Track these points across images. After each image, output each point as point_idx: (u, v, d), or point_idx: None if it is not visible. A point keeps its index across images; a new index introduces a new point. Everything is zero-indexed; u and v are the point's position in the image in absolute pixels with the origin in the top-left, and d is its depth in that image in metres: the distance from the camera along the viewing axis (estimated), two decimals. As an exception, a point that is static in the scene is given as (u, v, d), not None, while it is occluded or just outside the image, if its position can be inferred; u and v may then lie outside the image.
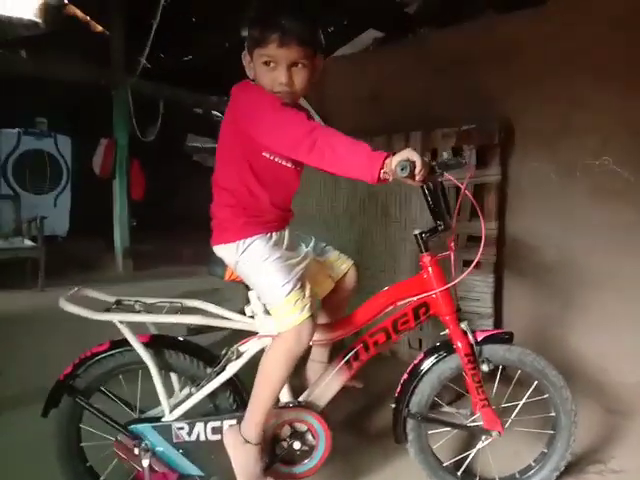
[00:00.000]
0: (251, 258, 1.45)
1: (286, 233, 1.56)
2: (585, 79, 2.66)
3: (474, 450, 1.70)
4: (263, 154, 1.44)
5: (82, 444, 1.53)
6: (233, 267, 1.50)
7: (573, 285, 2.74)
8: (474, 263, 1.61)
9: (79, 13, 8.39)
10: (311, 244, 1.63)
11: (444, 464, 1.70)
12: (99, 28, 7.99)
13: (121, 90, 5.93)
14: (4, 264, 5.13)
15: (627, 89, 2.53)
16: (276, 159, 1.45)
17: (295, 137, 1.30)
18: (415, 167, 1.26)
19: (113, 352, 1.49)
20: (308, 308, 1.41)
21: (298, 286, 1.42)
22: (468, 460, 1.71)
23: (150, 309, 1.54)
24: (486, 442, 1.65)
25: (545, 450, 1.69)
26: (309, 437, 1.54)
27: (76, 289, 1.52)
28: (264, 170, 1.47)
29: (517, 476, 1.70)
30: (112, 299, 1.55)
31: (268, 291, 1.43)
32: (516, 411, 1.67)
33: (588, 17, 2.67)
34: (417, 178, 1.28)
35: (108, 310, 1.48)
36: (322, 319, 1.69)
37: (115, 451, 1.48)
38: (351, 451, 2.02)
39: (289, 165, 1.48)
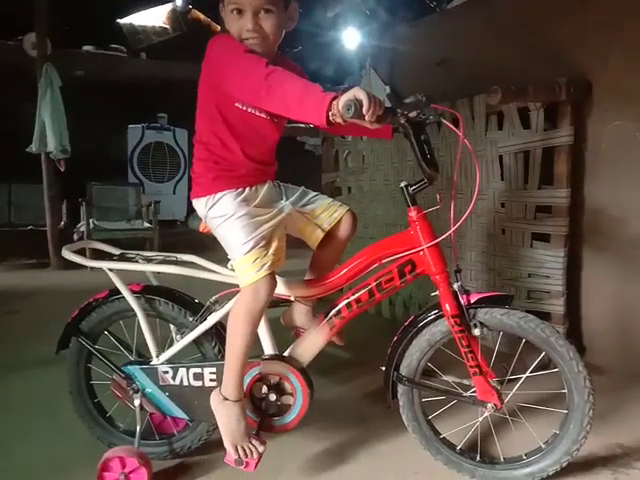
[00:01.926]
0: (218, 213, 1.48)
1: (264, 188, 1.55)
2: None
3: (472, 423, 1.55)
4: (236, 105, 1.45)
5: (92, 382, 1.70)
6: (204, 220, 1.54)
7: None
8: (461, 221, 1.46)
9: (202, 16, 9.10)
10: (294, 197, 1.60)
11: (441, 436, 1.58)
12: (219, 28, 8.54)
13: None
14: (127, 243, 5.81)
15: None
16: (249, 109, 1.45)
17: (254, 83, 1.30)
18: (362, 106, 1.19)
19: (112, 299, 1.62)
20: (267, 267, 1.40)
21: (261, 244, 1.42)
22: (468, 435, 1.58)
23: (148, 261, 1.65)
24: (483, 416, 1.50)
25: (557, 431, 1.49)
26: (287, 392, 1.54)
27: (85, 241, 1.69)
28: (237, 122, 1.48)
29: (524, 457, 1.52)
30: (117, 252, 1.69)
31: (231, 247, 1.46)
32: (518, 384, 1.49)
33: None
34: (367, 118, 1.21)
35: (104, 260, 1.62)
36: (313, 271, 1.67)
37: (112, 390, 1.62)
38: (368, 419, 1.97)
39: (263, 116, 1.47)
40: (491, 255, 2.82)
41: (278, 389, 1.54)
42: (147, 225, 5.80)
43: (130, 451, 1.51)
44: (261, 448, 1.47)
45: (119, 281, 1.57)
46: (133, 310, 1.60)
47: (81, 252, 1.73)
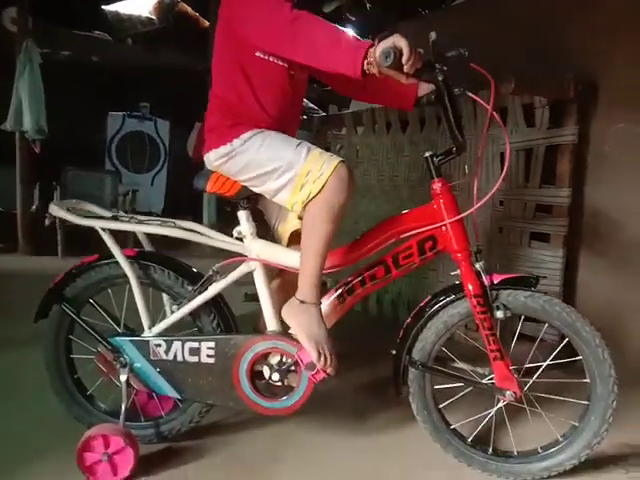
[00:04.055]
0: (249, 148, 1.36)
1: None
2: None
3: (487, 413, 1.46)
4: (256, 54, 1.35)
5: (72, 356, 1.54)
6: (226, 170, 1.41)
7: (662, 265, 2.33)
8: (486, 198, 1.38)
9: (189, 10, 8.96)
10: None
11: (452, 426, 1.48)
12: (207, 23, 8.40)
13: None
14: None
15: None
16: (271, 59, 1.36)
17: (277, 29, 1.22)
18: (402, 55, 1.10)
19: (101, 263, 1.48)
20: (336, 155, 1.32)
21: (314, 146, 1.35)
22: (481, 425, 1.48)
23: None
24: (500, 404, 1.41)
25: (576, 424, 1.41)
26: (291, 371, 1.41)
27: (74, 201, 1.54)
28: (257, 73, 1.38)
29: (540, 451, 1.43)
30: (109, 214, 1.55)
31: (281, 166, 1.33)
32: (538, 372, 1.41)
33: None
34: (405, 69, 1.12)
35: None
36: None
37: (96, 363, 1.46)
38: (366, 411, 1.86)
39: (285, 65, 1.38)
40: (487, 254, 2.75)
41: (282, 368, 1.41)
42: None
43: (115, 429, 1.35)
44: (335, 364, 1.35)
45: (112, 242, 1.43)
46: (123, 277, 1.46)
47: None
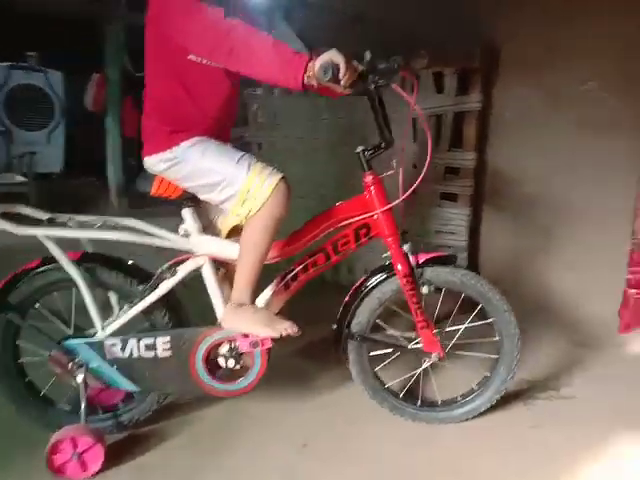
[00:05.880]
0: (191, 157, 1.40)
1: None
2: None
3: (415, 372, 1.69)
4: (189, 57, 1.36)
5: (21, 360, 1.54)
6: (168, 175, 1.44)
7: (552, 220, 2.67)
8: (413, 187, 1.53)
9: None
10: None
11: (386, 385, 1.70)
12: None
13: (115, 24, 5.64)
14: (-4, 200, 5.17)
15: (617, 9, 2.35)
16: (204, 61, 1.37)
17: (213, 39, 1.24)
18: (339, 70, 1.19)
19: (44, 269, 1.47)
20: (276, 171, 1.39)
21: (254, 160, 1.40)
22: (410, 382, 1.71)
23: (84, 226, 1.52)
24: (426, 364, 1.64)
25: (488, 374, 1.68)
26: (245, 357, 1.53)
27: (10, 205, 1.49)
28: (192, 76, 1.40)
29: (459, 399, 1.70)
30: (45, 216, 1.52)
31: (223, 180, 1.38)
32: (457, 335, 1.65)
33: None
34: (342, 83, 1.21)
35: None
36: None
37: (51, 366, 1.49)
38: (303, 375, 2.03)
39: (219, 66, 1.39)
40: (403, 214, 2.96)
41: (234, 354, 1.52)
42: (20, 179, 5.20)
43: (82, 429, 1.42)
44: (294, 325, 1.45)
45: (57, 249, 1.42)
46: (69, 280, 1.47)
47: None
